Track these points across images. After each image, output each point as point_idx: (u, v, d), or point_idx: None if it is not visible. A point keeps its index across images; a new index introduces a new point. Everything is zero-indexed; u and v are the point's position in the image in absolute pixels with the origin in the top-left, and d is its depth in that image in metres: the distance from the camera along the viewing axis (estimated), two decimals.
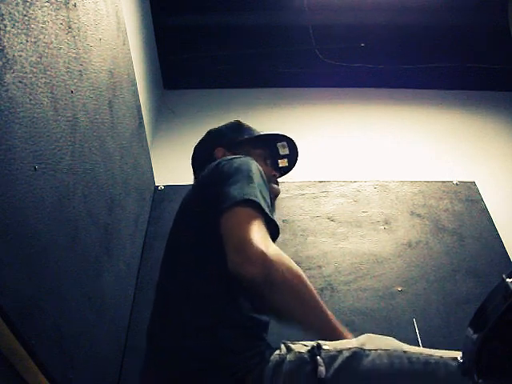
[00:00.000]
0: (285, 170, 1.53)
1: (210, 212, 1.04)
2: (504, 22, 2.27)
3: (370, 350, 0.89)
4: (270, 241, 0.97)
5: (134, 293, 1.71)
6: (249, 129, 1.45)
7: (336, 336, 0.96)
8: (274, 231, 1.03)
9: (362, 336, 0.95)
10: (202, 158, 1.44)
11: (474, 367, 0.69)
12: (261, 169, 1.13)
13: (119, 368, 1.52)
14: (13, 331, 0.86)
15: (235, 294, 1.01)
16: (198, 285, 1.02)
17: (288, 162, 1.50)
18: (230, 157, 1.15)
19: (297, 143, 1.51)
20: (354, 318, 1.68)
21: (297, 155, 1.52)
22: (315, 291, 0.96)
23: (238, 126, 1.45)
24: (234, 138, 1.41)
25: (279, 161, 1.48)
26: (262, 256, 0.91)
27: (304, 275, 0.96)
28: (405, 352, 0.89)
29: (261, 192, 1.03)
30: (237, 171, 1.07)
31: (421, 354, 0.89)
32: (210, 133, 1.49)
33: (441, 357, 0.88)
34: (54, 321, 1.01)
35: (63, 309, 1.07)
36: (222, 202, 1.00)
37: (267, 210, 1.00)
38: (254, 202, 0.98)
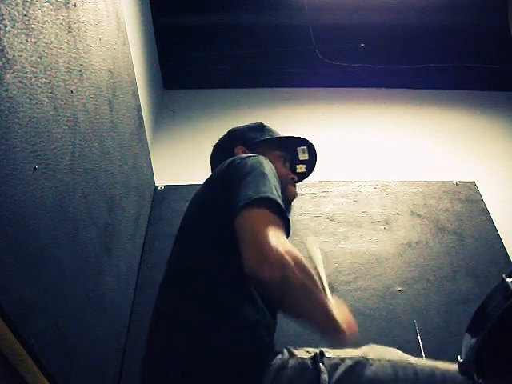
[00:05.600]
0: (301, 177, 1.53)
1: (223, 211, 1.03)
2: (504, 21, 2.27)
3: (373, 359, 0.88)
4: (286, 239, 0.96)
5: (134, 293, 1.71)
6: (270, 130, 1.45)
7: (336, 329, 0.97)
8: (287, 229, 1.02)
9: (365, 346, 0.94)
10: (221, 155, 1.42)
11: (473, 367, 0.69)
12: (274, 168, 1.13)
13: (119, 368, 1.52)
14: (13, 331, 0.86)
15: (243, 295, 1.00)
16: (205, 284, 1.01)
17: (306, 168, 1.50)
18: (243, 155, 1.15)
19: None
20: (354, 318, 1.67)
21: (315, 162, 1.52)
22: (319, 285, 0.96)
23: (260, 127, 1.45)
24: (255, 137, 1.41)
25: (297, 166, 1.48)
26: (281, 258, 0.89)
27: (313, 273, 0.96)
28: (410, 363, 0.88)
29: (276, 190, 1.02)
30: (251, 170, 1.06)
31: (426, 366, 0.87)
32: (230, 131, 1.49)
33: (446, 370, 0.86)
34: (54, 321, 1.01)
35: (63, 309, 1.07)
36: (237, 201, 0.99)
37: (283, 208, 0.99)
38: (270, 200, 0.97)
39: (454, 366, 0.86)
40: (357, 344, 0.97)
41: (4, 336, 0.85)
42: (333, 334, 0.96)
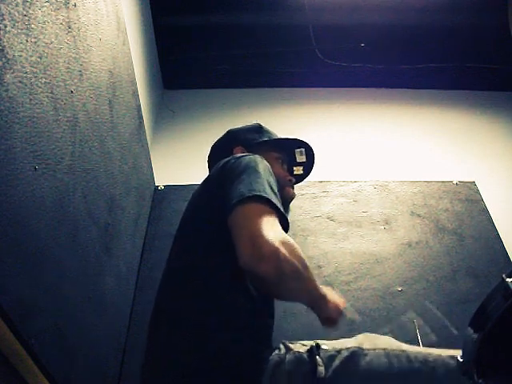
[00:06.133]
0: (298, 179, 1.53)
1: (218, 210, 1.03)
2: (504, 21, 2.27)
3: (368, 349, 0.89)
4: (281, 229, 0.95)
5: (134, 293, 1.71)
6: (268, 132, 1.46)
7: (322, 301, 1.01)
8: (284, 226, 1.02)
9: (360, 335, 0.95)
10: (219, 156, 1.42)
11: (473, 367, 0.69)
12: (269, 166, 1.13)
13: (119, 368, 1.52)
14: (13, 331, 0.86)
15: (242, 296, 1.00)
16: (205, 284, 1.01)
17: (303, 170, 1.51)
18: (238, 155, 1.15)
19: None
20: (354, 317, 1.68)
21: (313, 164, 1.53)
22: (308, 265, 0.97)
23: (258, 128, 1.46)
24: (254, 138, 1.41)
25: (294, 168, 1.49)
26: (275, 251, 0.88)
27: (306, 261, 0.96)
28: (403, 351, 0.90)
29: (270, 187, 1.02)
30: (245, 168, 1.06)
31: (419, 352, 0.89)
32: (229, 132, 1.50)
33: (439, 355, 0.88)
34: (54, 321, 1.01)
35: (63, 309, 1.07)
36: (230, 198, 0.99)
37: (278, 204, 0.98)
38: (263, 197, 0.97)
39: (446, 352, 0.87)
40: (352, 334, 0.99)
41: (4, 336, 0.86)
42: (322, 306, 1.01)
